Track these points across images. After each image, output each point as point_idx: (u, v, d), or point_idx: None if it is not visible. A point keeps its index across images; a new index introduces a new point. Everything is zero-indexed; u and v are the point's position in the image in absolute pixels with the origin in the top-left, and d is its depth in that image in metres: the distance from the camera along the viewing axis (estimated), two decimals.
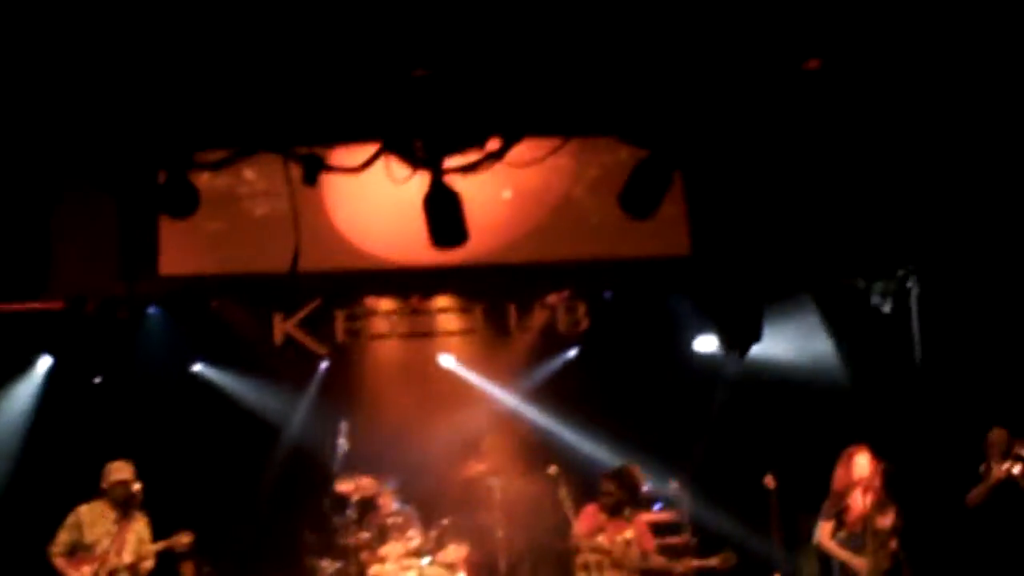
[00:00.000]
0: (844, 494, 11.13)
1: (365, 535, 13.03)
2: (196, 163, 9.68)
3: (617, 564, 10.68)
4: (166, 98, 9.14)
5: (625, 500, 10.90)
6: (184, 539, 10.82)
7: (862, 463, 11.14)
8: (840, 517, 11.09)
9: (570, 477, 11.83)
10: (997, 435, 11.61)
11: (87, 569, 10.46)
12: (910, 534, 11.15)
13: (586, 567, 10.75)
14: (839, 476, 11.21)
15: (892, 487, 11.19)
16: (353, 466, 13.13)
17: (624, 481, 10.97)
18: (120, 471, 10.78)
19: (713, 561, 10.81)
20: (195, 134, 9.56)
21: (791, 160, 12.15)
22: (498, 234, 12.14)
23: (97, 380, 13.67)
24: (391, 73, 9.20)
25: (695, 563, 11.07)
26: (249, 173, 12.40)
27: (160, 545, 10.79)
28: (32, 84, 9.12)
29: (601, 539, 10.75)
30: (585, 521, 10.95)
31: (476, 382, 15.06)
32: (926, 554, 11.33)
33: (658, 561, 10.95)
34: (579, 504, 11.41)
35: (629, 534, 10.81)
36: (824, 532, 11.10)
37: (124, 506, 10.72)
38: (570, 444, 14.21)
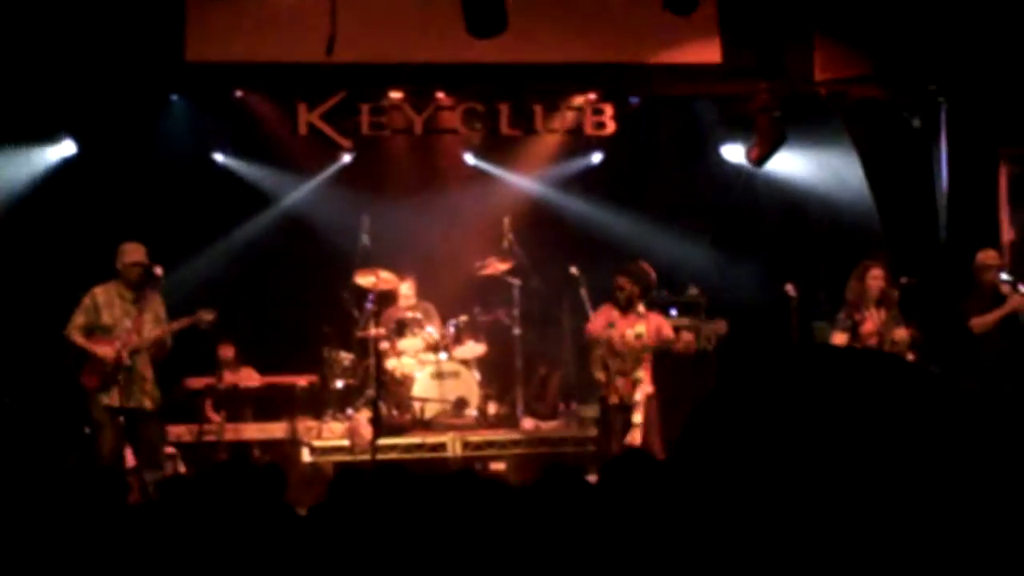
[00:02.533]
0: (858, 306, 11.13)
1: (383, 329, 13.16)
2: None
3: (621, 355, 10.75)
4: None
5: (637, 295, 10.90)
6: (207, 316, 10.86)
7: (877, 276, 11.14)
8: (855, 330, 11.11)
9: (592, 276, 11.83)
10: (991, 256, 11.55)
11: (108, 348, 10.51)
12: (927, 349, 11.22)
13: (601, 363, 10.84)
14: (853, 288, 11.18)
15: (909, 302, 11.23)
16: (373, 260, 13.16)
17: (635, 276, 10.95)
18: (134, 252, 10.74)
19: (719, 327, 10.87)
20: None
21: None
22: (528, 33, 11.96)
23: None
24: None
25: (687, 337, 11.23)
26: None
27: (184, 322, 10.84)
28: None
29: (612, 332, 10.79)
30: (599, 318, 11.00)
31: (499, 177, 15.08)
32: (942, 368, 11.38)
33: (661, 341, 10.99)
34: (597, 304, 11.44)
35: (641, 328, 10.83)
36: (838, 342, 11.08)
37: (139, 287, 10.74)
38: (594, 241, 14.21)
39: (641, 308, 10.88)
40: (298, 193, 14.86)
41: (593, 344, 10.97)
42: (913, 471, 1.65)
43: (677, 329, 11.45)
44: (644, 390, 10.64)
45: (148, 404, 10.67)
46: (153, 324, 10.74)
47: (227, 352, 13.39)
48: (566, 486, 5.16)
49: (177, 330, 10.86)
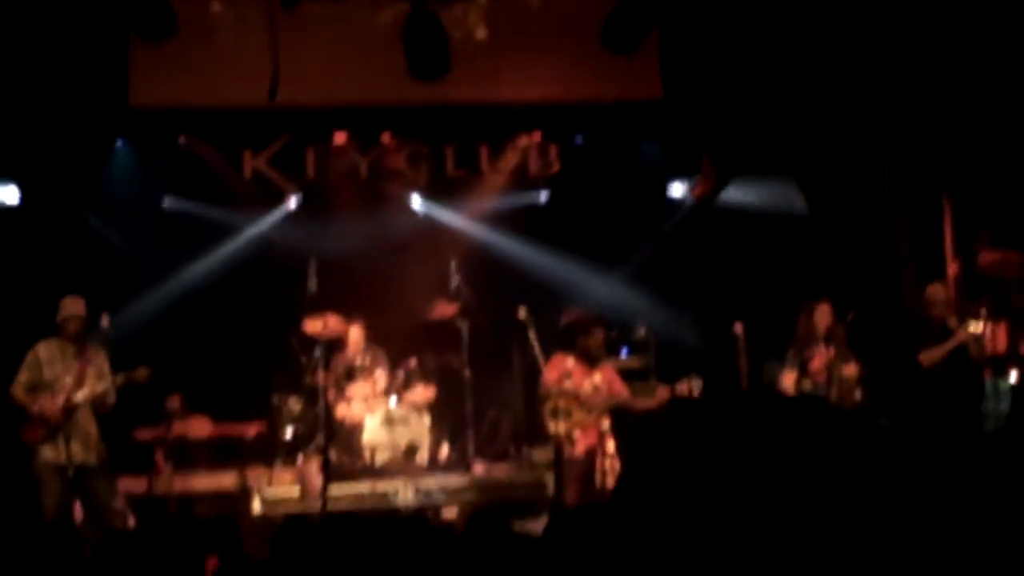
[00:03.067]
0: (807, 343, 11.22)
1: (332, 375, 13.07)
2: None
3: (586, 407, 10.73)
4: None
5: (592, 349, 10.94)
6: (142, 372, 10.74)
7: (824, 313, 11.22)
8: (804, 367, 11.18)
9: (539, 319, 11.79)
10: (938, 290, 11.70)
11: (47, 404, 10.40)
12: (874, 384, 11.26)
13: (555, 412, 10.78)
14: (801, 325, 11.32)
15: (854, 338, 11.28)
16: (321, 304, 13.07)
17: (603, 325, 11.01)
18: (71, 306, 10.65)
19: (681, 387, 10.82)
20: None
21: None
22: (471, 74, 11.95)
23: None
24: None
25: (663, 394, 11.07)
26: (219, 4, 12.16)
27: (119, 379, 10.72)
28: None
29: (568, 384, 10.78)
30: (553, 368, 10.96)
31: (446, 220, 15.03)
32: (890, 404, 11.42)
33: (627, 400, 11.00)
34: (547, 348, 11.39)
35: (597, 378, 10.87)
36: (788, 381, 11.22)
37: (78, 339, 10.63)
38: (541, 283, 14.18)
39: (595, 358, 10.94)
40: (244, 237, 14.73)
41: (546, 396, 10.90)
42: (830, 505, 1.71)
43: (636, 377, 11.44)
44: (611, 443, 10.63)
45: (93, 459, 10.54)
46: (96, 378, 10.61)
47: (174, 403, 13.26)
48: (493, 533, 5.13)
49: (117, 386, 10.73)
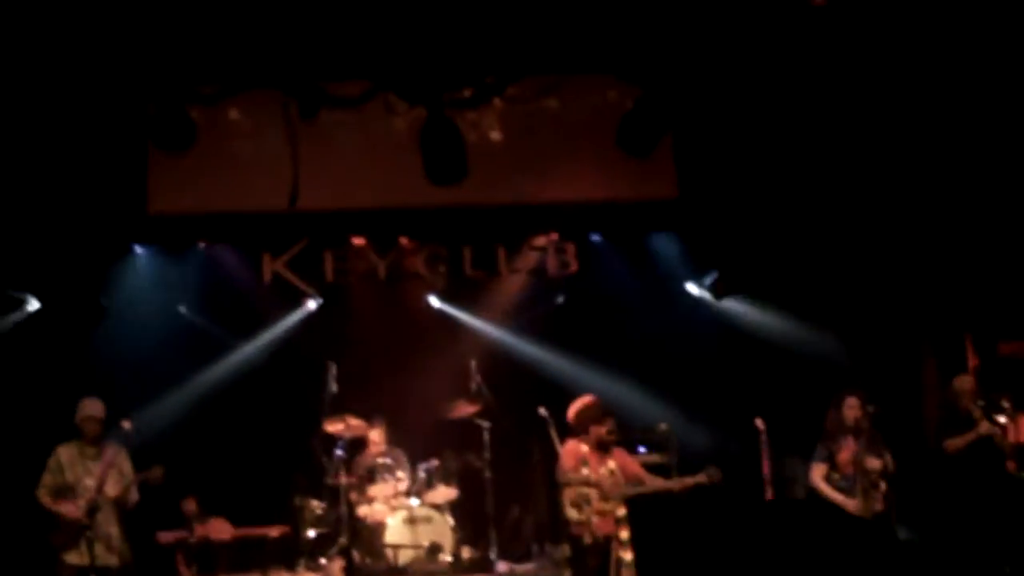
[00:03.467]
0: (835, 436, 11.24)
1: (354, 476, 13.06)
2: (197, 96, 9.60)
3: (606, 494, 10.67)
4: (166, 31, 9.08)
5: (604, 436, 10.92)
6: (157, 472, 10.75)
7: (853, 405, 11.24)
8: (832, 460, 11.20)
9: (559, 418, 11.78)
10: (965, 381, 11.79)
11: (71, 507, 10.41)
12: (900, 477, 11.25)
13: (575, 503, 10.72)
14: (831, 419, 11.36)
15: (881, 430, 11.28)
16: (342, 406, 13.12)
17: (595, 417, 10.99)
18: (89, 407, 10.73)
19: (700, 477, 10.77)
20: (195, 67, 9.49)
21: (783, 108, 12.19)
22: (488, 176, 12.04)
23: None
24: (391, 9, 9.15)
25: (684, 480, 11.01)
26: (236, 111, 12.30)
27: (136, 478, 10.74)
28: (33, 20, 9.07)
29: (586, 472, 10.73)
30: (569, 456, 10.92)
31: (465, 321, 15.06)
32: (916, 497, 11.43)
33: (646, 483, 10.93)
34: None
35: (612, 464, 10.81)
36: (817, 474, 11.27)
37: (98, 442, 10.68)
38: (560, 383, 14.15)
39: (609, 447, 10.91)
40: (264, 340, 14.77)
41: (565, 483, 10.86)
42: None
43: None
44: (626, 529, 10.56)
45: (115, 561, 10.53)
46: (116, 480, 10.63)
47: (190, 506, 13.19)
48: None
49: (137, 485, 10.75)
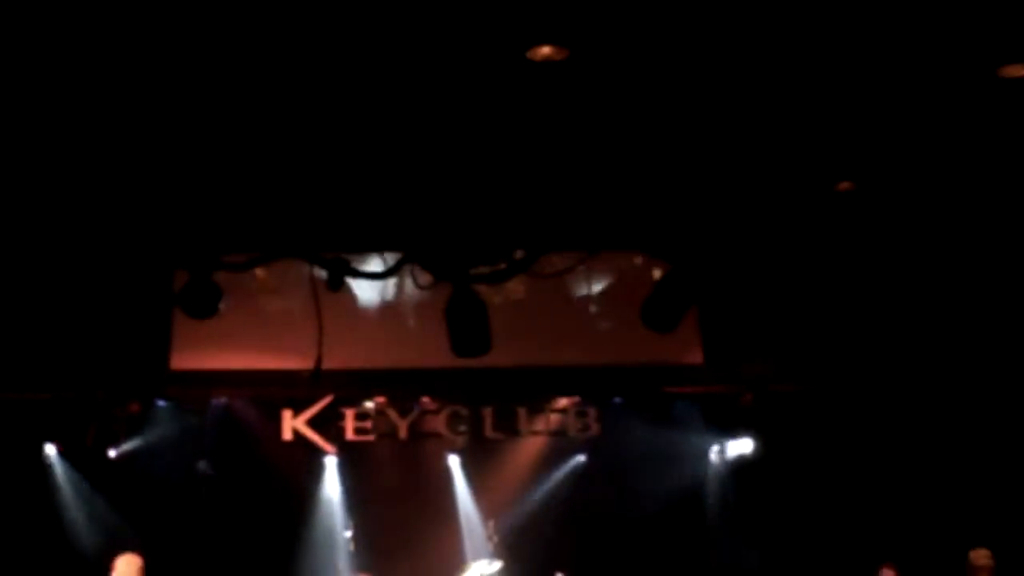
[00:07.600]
0: None
1: None
2: (223, 264, 9.69)
3: None
4: (194, 201, 9.19)
5: None
6: None
7: None
8: None
9: None
10: (981, 556, 11.68)
11: None
12: None
13: None
14: None
15: None
16: (360, 565, 13.01)
17: None
18: (129, 564, 10.67)
19: None
20: (223, 237, 9.60)
21: (805, 279, 12.28)
22: (511, 338, 12.06)
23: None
24: (418, 182, 9.25)
25: None
26: (262, 271, 12.38)
27: None
28: (58, 181, 9.19)
29: None
30: None
31: (484, 481, 14.96)
32: None
33: None
34: None
35: None
36: None
37: None
38: (579, 542, 14.06)
39: None
40: (282, 497, 14.67)
41: None
42: None
43: None
44: None
45: None
46: None
47: None
48: None
49: None
